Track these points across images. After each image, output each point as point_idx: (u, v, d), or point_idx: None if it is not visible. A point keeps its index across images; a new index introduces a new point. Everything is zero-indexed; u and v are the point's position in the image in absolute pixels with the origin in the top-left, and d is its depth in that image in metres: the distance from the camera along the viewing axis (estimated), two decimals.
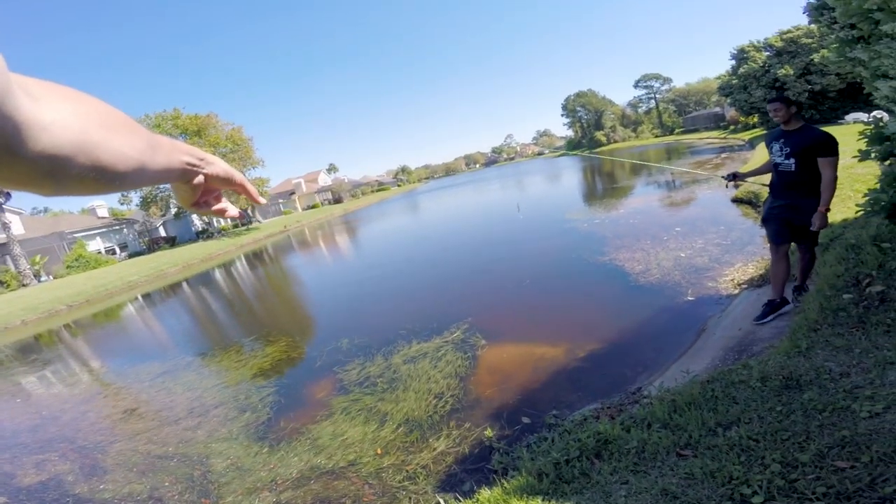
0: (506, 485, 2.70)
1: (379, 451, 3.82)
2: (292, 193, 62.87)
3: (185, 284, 20.78)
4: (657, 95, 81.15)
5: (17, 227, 28.21)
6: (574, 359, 4.81)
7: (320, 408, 4.93)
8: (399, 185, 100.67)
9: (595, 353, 4.85)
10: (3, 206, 26.14)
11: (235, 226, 44.05)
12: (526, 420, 3.83)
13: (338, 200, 66.03)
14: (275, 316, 11.39)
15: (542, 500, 2.37)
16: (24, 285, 25.15)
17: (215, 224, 41.52)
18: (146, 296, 19.58)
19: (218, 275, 21.89)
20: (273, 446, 4.32)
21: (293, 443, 4.29)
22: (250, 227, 44.18)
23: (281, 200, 59.79)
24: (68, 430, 5.94)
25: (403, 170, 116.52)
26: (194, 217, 40.15)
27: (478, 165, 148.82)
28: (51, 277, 27.04)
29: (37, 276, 26.68)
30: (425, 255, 14.35)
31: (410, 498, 3.16)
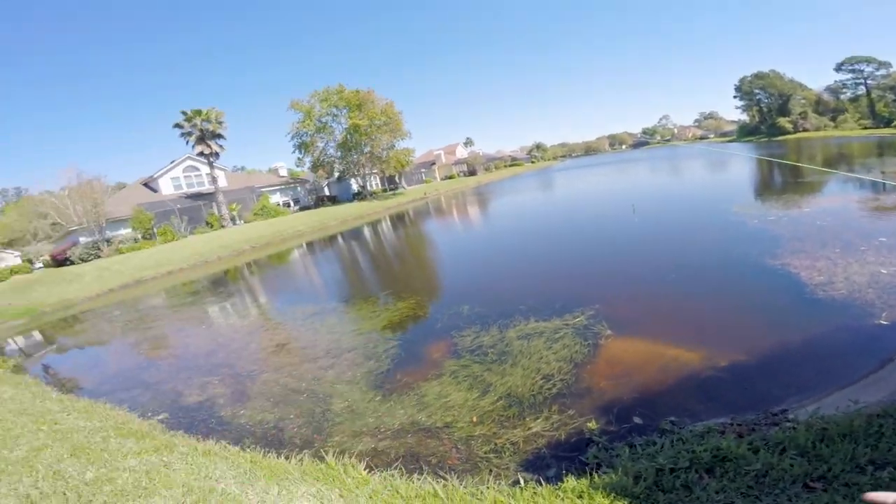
0: (596, 479, 2.57)
1: (474, 419, 3.92)
2: (433, 164, 66.26)
3: (339, 237, 24.09)
4: (868, 81, 63.04)
5: (221, 181, 35.09)
6: (711, 367, 4.20)
7: (432, 367, 5.23)
8: (532, 162, 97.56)
9: (739, 365, 4.17)
10: (214, 164, 32.99)
11: (384, 189, 49.33)
12: (637, 420, 3.51)
13: (472, 173, 67.65)
14: (408, 274, 12.33)
15: (631, 502, 2.22)
16: (222, 227, 31.75)
17: (368, 188, 46.35)
18: (309, 244, 23.40)
19: (366, 231, 24.86)
20: (385, 396, 4.73)
21: (402, 396, 4.64)
22: (396, 192, 48.45)
23: (423, 170, 63.68)
24: (232, 358, 7.17)
25: (538, 146, 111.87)
26: (352, 181, 45.61)
27: (624, 147, 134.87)
28: (242, 222, 33.62)
29: (233, 220, 33.35)
30: (556, 233, 13.87)
31: (491, 470, 3.18)
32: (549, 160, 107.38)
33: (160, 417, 5.05)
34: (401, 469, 3.22)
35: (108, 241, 26.50)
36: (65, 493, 2.89)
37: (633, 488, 2.36)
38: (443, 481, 2.91)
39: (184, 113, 30.81)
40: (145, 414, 5.16)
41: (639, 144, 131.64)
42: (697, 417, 3.41)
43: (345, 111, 38.67)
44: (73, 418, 4.52)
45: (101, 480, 3.03)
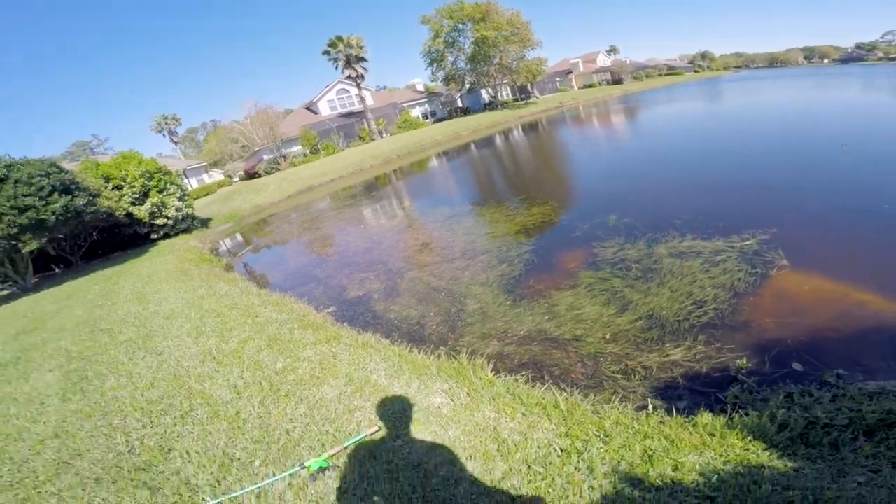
0: (735, 419, 2.34)
1: (607, 336, 3.75)
2: (569, 73, 59.58)
3: (472, 145, 24.56)
4: None
5: (368, 100, 38.28)
6: None
7: (567, 277, 5.08)
8: (696, 71, 79.24)
9: None
10: (361, 85, 35.76)
11: (515, 99, 48.54)
12: (797, 367, 2.97)
13: (617, 81, 59.03)
14: (542, 181, 11.89)
15: (766, 448, 2.02)
16: (372, 139, 36.19)
17: (499, 98, 45.18)
18: (445, 152, 24.44)
19: (498, 139, 24.79)
20: (515, 301, 4.79)
21: (532, 303, 4.64)
22: (528, 101, 47.05)
23: (557, 79, 58.02)
24: (384, 255, 7.91)
25: (704, 55, 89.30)
26: (482, 92, 44.87)
27: (826, 61, 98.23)
28: (388, 135, 37.27)
29: (380, 133, 37.17)
30: (726, 145, 11.54)
31: (616, 391, 3.06)
32: (717, 70, 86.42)
33: (330, 310, 5.81)
34: (525, 376, 3.31)
35: (284, 156, 33.21)
36: (261, 383, 3.55)
37: (774, 435, 2.11)
38: (565, 394, 2.91)
39: (329, 42, 33.98)
40: (318, 307, 5.95)
41: (847, 59, 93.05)
42: (874, 375, 2.74)
43: (469, 24, 37.71)
44: (268, 311, 5.41)
45: (287, 370, 3.71)
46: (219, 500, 2.32)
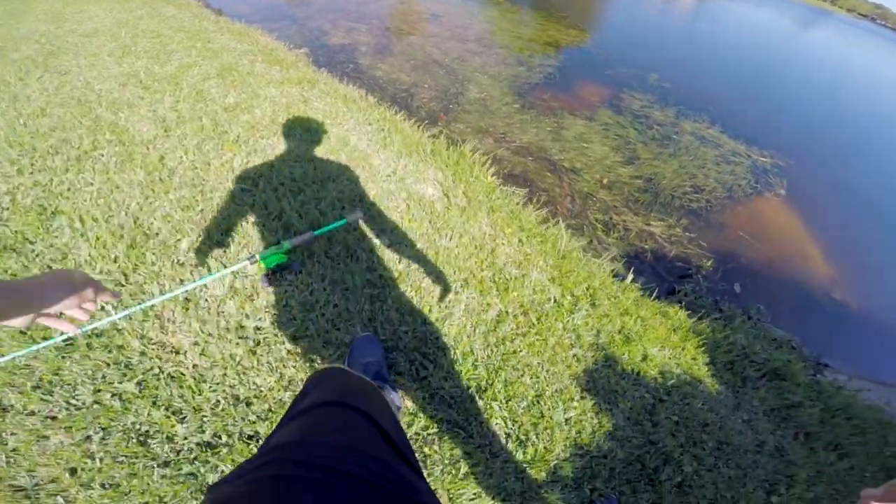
0: (674, 309, 2.39)
1: (604, 181, 3.56)
2: None
3: None
4: None
5: None
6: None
7: (585, 107, 4.66)
8: None
9: None
10: None
11: None
12: (737, 288, 3.06)
13: None
14: (597, 10, 10.22)
15: (707, 364, 2.15)
16: None
17: None
18: None
19: None
20: (523, 107, 4.31)
21: (541, 116, 4.22)
22: None
23: None
24: (384, 12, 6.66)
25: None
26: None
27: None
28: None
29: None
30: (804, 73, 10.54)
31: (593, 241, 2.97)
32: (839, 7, 67.33)
33: (302, 51, 4.79)
34: (522, 195, 3.03)
35: None
36: (201, 119, 2.68)
37: (719, 354, 2.22)
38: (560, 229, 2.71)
39: None
40: (290, 46, 4.89)
41: None
42: (777, 321, 2.92)
43: None
44: (225, 38, 4.24)
45: (241, 108, 2.89)
46: (127, 309, 1.30)
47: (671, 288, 2.87)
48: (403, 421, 1.52)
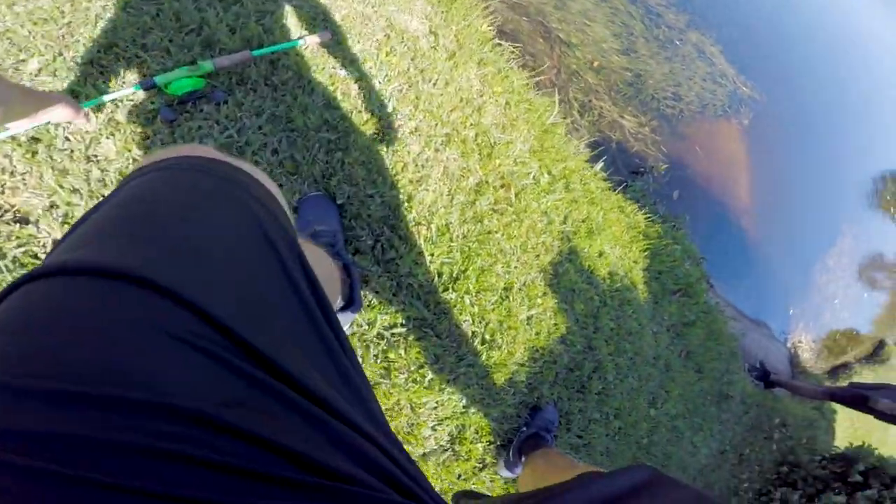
0: (652, 227, 2.47)
1: (595, 63, 3.46)
2: None
3: None
4: None
5: None
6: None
7: None
8: None
9: None
10: None
11: None
12: (675, 195, 3.47)
13: None
14: None
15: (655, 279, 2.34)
16: None
17: None
18: None
19: None
20: None
21: None
22: None
23: None
24: None
25: None
26: None
27: None
28: None
29: None
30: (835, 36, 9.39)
31: (567, 117, 2.84)
32: None
33: None
34: (516, 54, 2.74)
35: None
36: None
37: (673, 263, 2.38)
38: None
39: None
40: None
41: None
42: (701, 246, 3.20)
43: None
44: None
45: None
46: None
47: (625, 183, 3.06)
48: (363, 318, 1.25)
